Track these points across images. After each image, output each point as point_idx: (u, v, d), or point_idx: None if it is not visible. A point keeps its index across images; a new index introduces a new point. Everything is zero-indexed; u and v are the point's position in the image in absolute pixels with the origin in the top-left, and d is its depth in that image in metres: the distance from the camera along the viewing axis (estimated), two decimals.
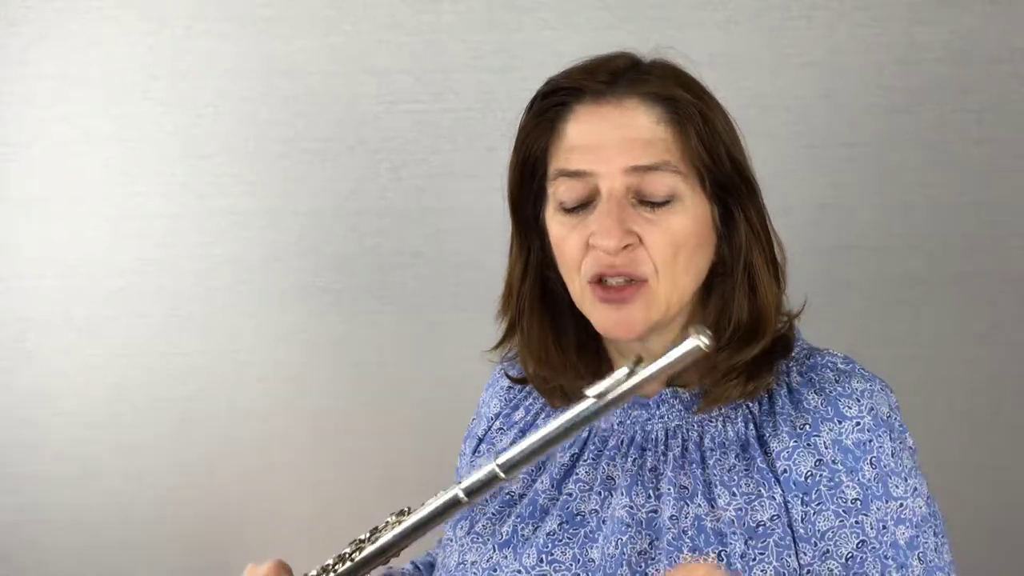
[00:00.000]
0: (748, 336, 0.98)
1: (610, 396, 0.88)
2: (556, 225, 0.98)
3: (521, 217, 1.03)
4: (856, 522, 0.93)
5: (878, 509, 0.93)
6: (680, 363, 0.86)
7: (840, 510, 0.93)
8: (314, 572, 1.00)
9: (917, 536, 0.95)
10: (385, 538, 0.96)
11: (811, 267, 1.81)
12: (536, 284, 1.04)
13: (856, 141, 1.80)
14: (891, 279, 1.82)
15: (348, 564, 0.97)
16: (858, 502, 0.93)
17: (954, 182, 1.80)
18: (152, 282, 1.87)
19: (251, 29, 1.82)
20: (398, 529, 0.96)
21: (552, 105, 0.99)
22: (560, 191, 0.97)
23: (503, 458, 0.91)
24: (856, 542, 0.92)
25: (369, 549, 0.97)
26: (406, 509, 0.98)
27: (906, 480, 0.95)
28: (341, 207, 1.85)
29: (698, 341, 0.85)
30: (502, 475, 0.91)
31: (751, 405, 0.98)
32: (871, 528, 0.93)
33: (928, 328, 1.83)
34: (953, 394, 1.83)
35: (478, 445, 1.14)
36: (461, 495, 0.92)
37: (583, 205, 0.96)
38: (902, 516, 0.94)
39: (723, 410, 0.98)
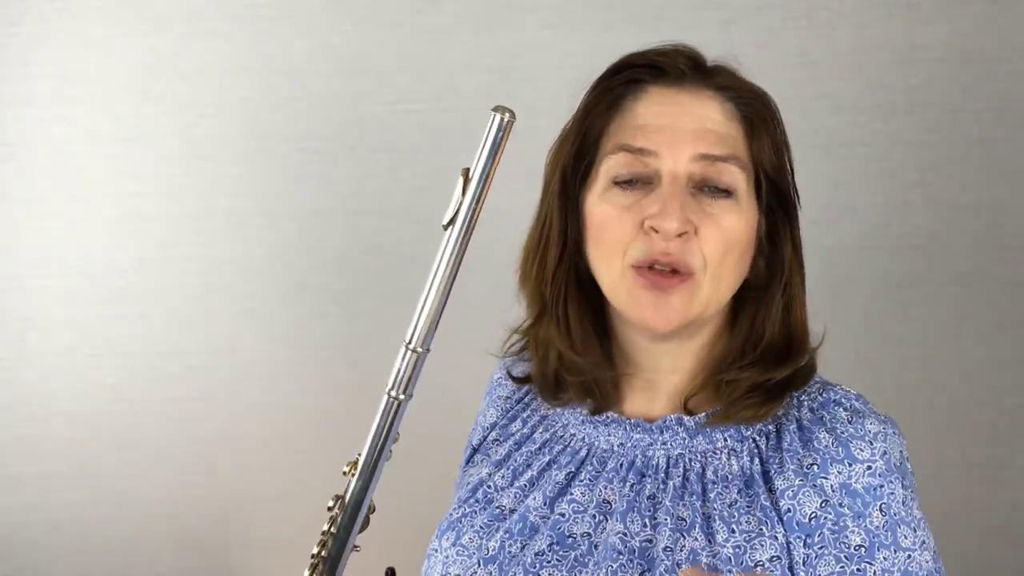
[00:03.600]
0: (779, 356, 0.95)
1: (460, 216, 0.91)
2: (605, 204, 0.94)
3: (565, 195, 0.98)
4: (858, 569, 0.89)
5: (885, 559, 0.89)
6: (499, 144, 0.88)
7: (842, 555, 0.89)
8: (314, 551, 0.98)
9: None
10: (351, 490, 0.96)
11: (811, 267, 1.80)
12: (572, 269, 0.99)
13: (856, 141, 1.80)
14: (891, 279, 1.82)
15: (333, 536, 0.96)
16: (862, 548, 0.89)
17: (954, 182, 1.80)
18: (152, 282, 1.87)
19: (251, 29, 1.82)
20: (357, 474, 0.95)
21: (623, 82, 0.96)
22: (617, 166, 0.93)
23: (409, 336, 0.93)
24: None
25: (343, 515, 0.96)
26: (358, 456, 0.97)
27: (915, 531, 0.91)
28: (341, 207, 1.85)
29: (500, 114, 0.87)
30: (420, 350, 0.92)
31: (758, 440, 0.94)
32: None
33: (928, 328, 1.82)
34: (953, 394, 1.83)
35: (472, 455, 1.10)
36: (393, 393, 0.93)
37: (637, 185, 0.93)
38: (909, 569, 0.89)
39: (729, 443, 0.95)
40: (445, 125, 1.82)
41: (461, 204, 0.90)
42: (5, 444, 1.90)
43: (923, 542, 0.91)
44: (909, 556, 0.89)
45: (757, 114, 0.95)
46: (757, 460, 0.93)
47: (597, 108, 0.97)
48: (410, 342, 0.93)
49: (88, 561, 1.92)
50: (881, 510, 0.90)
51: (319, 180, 1.85)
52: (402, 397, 0.93)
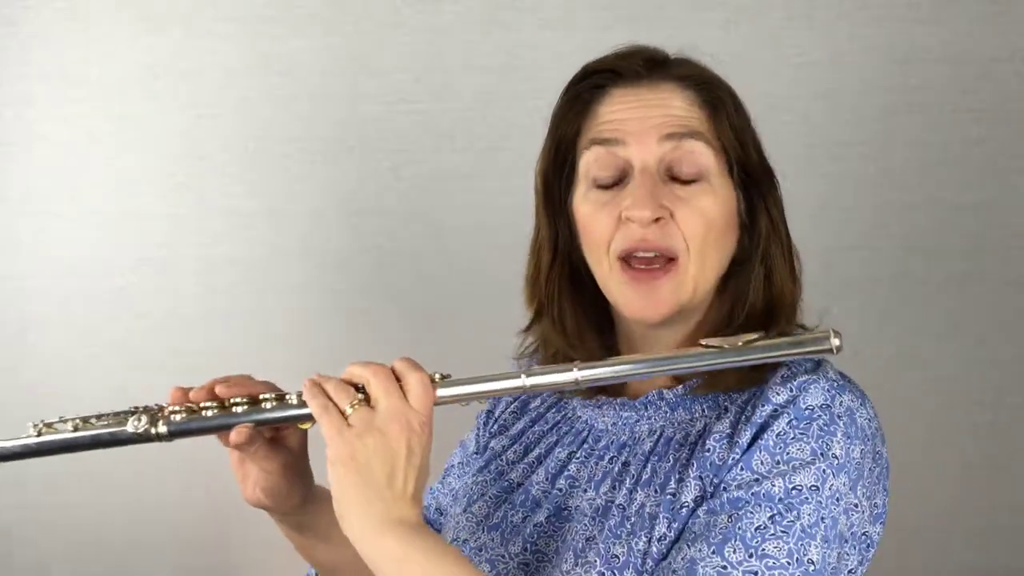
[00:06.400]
0: (760, 323, 0.97)
1: (718, 349, 0.90)
2: (587, 204, 0.99)
3: (550, 201, 1.03)
4: (717, 481, 0.89)
5: (732, 478, 0.88)
6: (802, 352, 0.90)
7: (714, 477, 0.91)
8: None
9: (748, 503, 0.86)
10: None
11: (811, 267, 1.80)
12: (565, 267, 1.04)
13: (856, 141, 1.80)
14: (891, 279, 1.82)
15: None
16: (724, 466, 0.89)
17: (954, 182, 1.80)
18: (152, 282, 1.87)
19: (251, 29, 1.83)
20: (462, 389, 0.92)
21: (587, 88, 1.01)
22: (593, 165, 0.98)
23: (585, 374, 0.91)
24: (696, 495, 0.90)
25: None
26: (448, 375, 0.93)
27: (777, 464, 0.87)
28: (341, 207, 1.85)
29: (833, 342, 0.88)
30: (580, 377, 0.90)
31: (731, 408, 0.95)
32: (710, 485, 0.90)
33: (927, 328, 1.82)
34: (953, 394, 1.83)
35: (487, 418, 1.17)
36: (525, 379, 0.91)
37: (615, 184, 0.97)
38: (745, 482, 0.87)
39: (706, 412, 0.97)
40: (445, 125, 1.82)
41: (728, 351, 0.91)
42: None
43: (783, 475, 0.87)
44: (758, 480, 0.87)
45: (717, 98, 0.99)
46: (728, 424, 0.95)
47: (568, 115, 1.02)
48: (582, 375, 0.91)
49: (88, 561, 1.92)
50: (755, 436, 0.90)
51: (319, 180, 1.85)
52: (527, 384, 0.91)
